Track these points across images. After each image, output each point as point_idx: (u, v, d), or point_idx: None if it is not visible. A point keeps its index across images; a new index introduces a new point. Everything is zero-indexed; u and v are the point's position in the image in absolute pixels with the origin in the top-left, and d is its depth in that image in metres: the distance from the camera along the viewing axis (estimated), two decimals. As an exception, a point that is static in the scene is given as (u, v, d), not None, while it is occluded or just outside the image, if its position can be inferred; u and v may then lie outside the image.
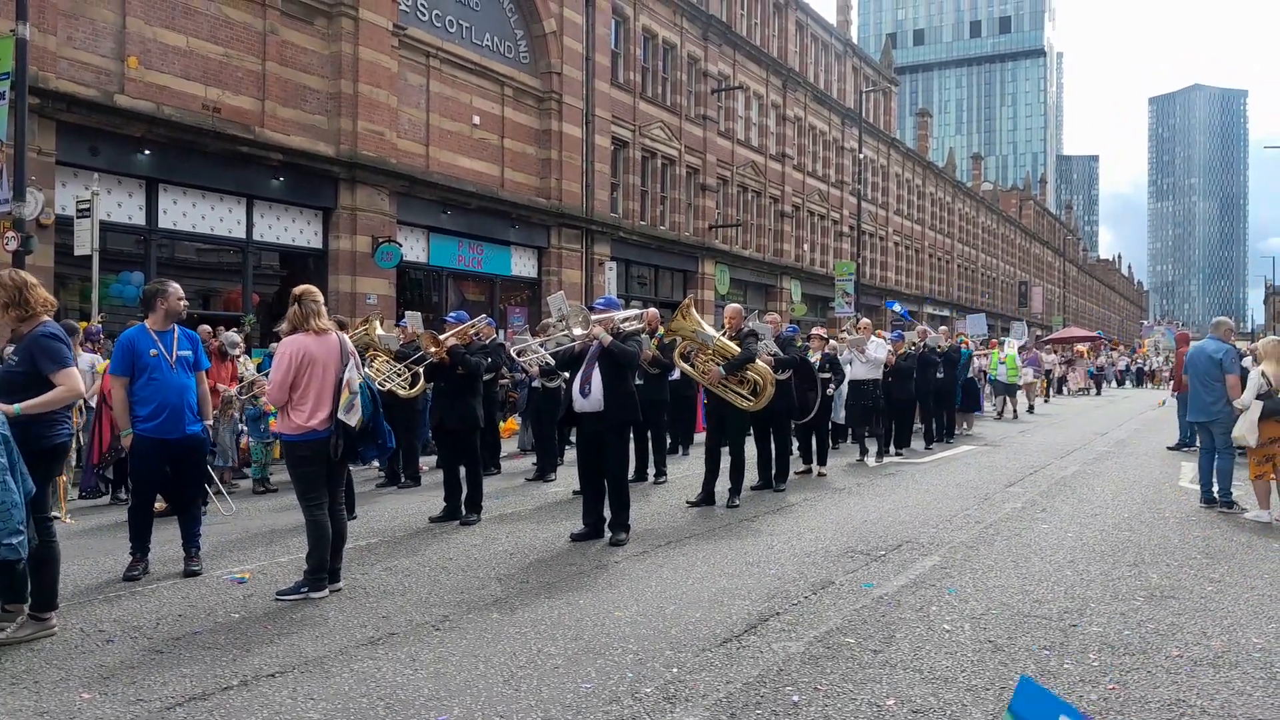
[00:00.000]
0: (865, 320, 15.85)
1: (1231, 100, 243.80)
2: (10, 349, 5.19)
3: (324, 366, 5.74)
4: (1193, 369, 9.18)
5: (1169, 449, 14.37)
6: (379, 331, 10.00)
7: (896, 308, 33.04)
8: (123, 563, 6.56)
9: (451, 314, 9.99)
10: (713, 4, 30.28)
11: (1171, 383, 18.59)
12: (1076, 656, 4.56)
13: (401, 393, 9.76)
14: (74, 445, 9.50)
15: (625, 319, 7.69)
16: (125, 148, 14.06)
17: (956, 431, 16.25)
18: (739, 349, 8.63)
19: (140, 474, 6.26)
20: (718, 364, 8.57)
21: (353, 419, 5.74)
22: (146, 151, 14.27)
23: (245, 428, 10.45)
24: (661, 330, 10.81)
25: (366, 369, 9.36)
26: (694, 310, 8.69)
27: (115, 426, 9.41)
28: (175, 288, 6.30)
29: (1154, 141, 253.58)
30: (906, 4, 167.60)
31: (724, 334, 9.00)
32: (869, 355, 12.42)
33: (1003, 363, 20.40)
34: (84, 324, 11.78)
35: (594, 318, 7.38)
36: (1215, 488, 8.91)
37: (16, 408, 4.68)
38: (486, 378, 11.25)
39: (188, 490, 6.38)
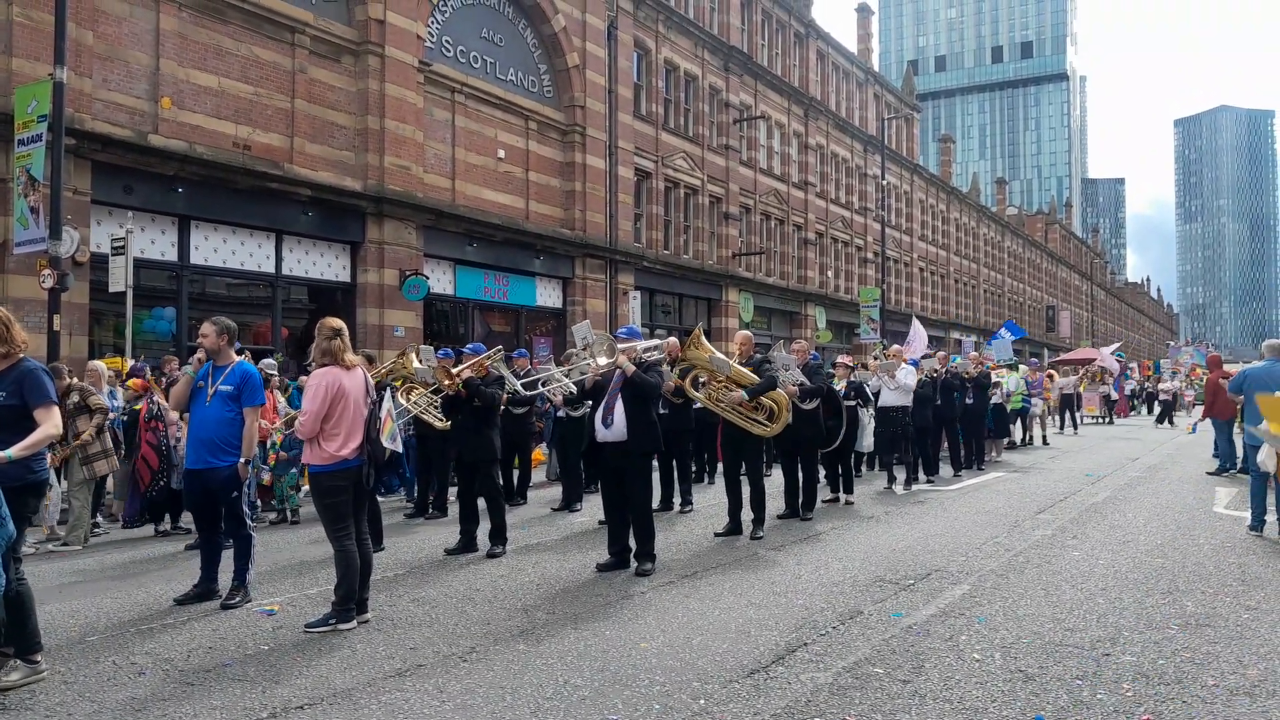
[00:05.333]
0: (896, 346, 15.80)
1: (1258, 121, 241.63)
2: None
3: (355, 398, 5.90)
4: (1257, 390, 9.16)
5: (1209, 474, 14.10)
6: (416, 365, 10.04)
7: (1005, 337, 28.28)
8: (154, 595, 6.71)
9: (469, 345, 10.03)
10: (734, 35, 30.55)
11: (1201, 409, 18.19)
12: (1110, 686, 4.50)
13: (437, 424, 9.78)
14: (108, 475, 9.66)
15: (647, 349, 7.72)
16: (159, 186, 14.36)
17: (986, 458, 16.10)
18: (757, 377, 8.60)
19: (186, 502, 6.80)
20: (730, 390, 8.54)
21: (398, 445, 6.28)
22: (179, 189, 14.56)
23: (269, 465, 10.45)
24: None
25: (404, 400, 9.49)
26: (704, 339, 8.67)
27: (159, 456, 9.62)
28: (202, 326, 6.54)
29: (1181, 163, 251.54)
30: (928, 31, 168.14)
31: (737, 361, 8.95)
32: (898, 381, 12.37)
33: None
34: (119, 360, 12.00)
35: (618, 347, 7.42)
36: (1272, 515, 8.76)
37: (9, 453, 4.59)
38: (520, 410, 11.31)
39: (224, 523, 6.52)
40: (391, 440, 6.06)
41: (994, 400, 16.61)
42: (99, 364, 10.44)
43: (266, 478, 10.46)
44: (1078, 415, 26.14)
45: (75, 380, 9.36)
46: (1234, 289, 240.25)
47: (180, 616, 6.06)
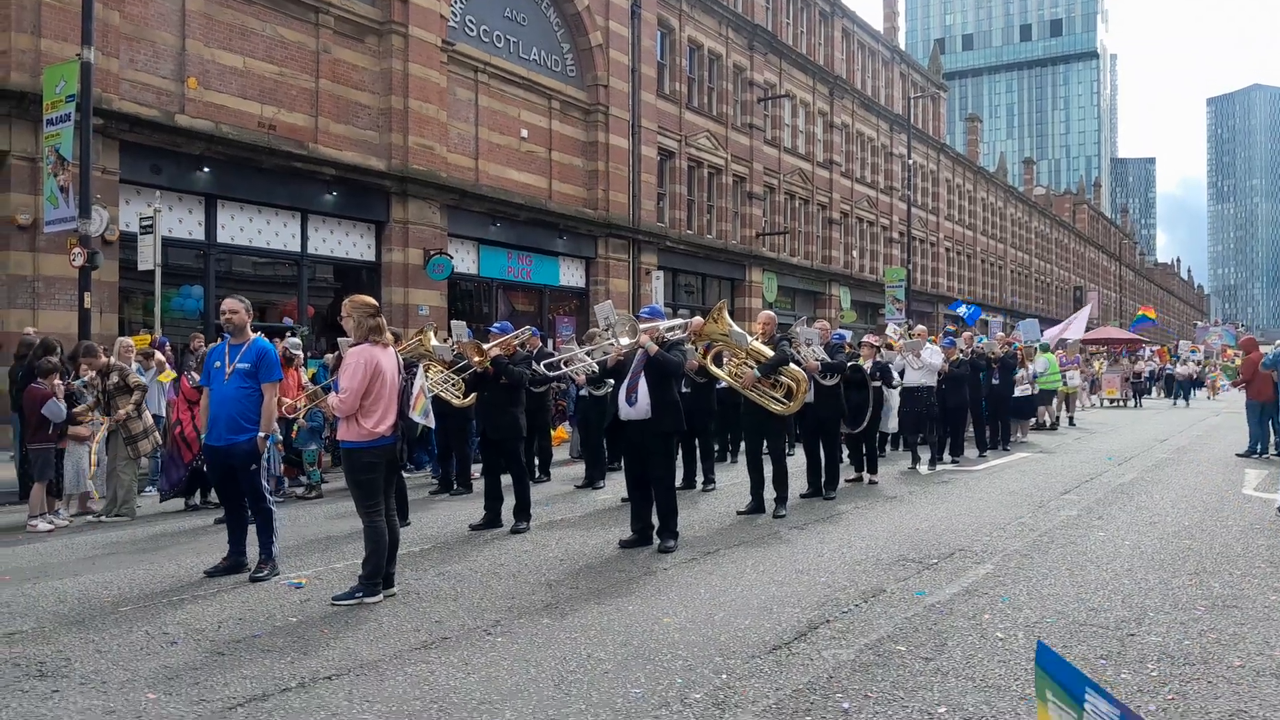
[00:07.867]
0: (920, 326, 15.67)
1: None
2: None
3: (390, 375, 5.96)
4: None
5: (1238, 456, 13.93)
6: (434, 343, 10.12)
7: (962, 310, 31.44)
8: (185, 567, 6.82)
9: (495, 325, 10.09)
10: (758, 13, 30.28)
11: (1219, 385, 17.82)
12: (1134, 666, 4.48)
13: (455, 401, 9.90)
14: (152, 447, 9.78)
15: (670, 328, 7.72)
16: (185, 165, 14.48)
17: (1011, 439, 15.97)
18: (773, 352, 8.58)
19: (210, 477, 6.90)
20: (751, 367, 8.51)
21: (431, 421, 6.42)
22: (206, 169, 14.68)
23: (287, 437, 10.49)
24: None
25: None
26: (726, 314, 8.64)
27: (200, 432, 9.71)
28: (225, 303, 6.62)
29: (1213, 143, 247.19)
30: (955, 9, 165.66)
31: (758, 340, 8.92)
32: (924, 361, 12.28)
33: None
34: (147, 337, 12.14)
35: (640, 326, 7.43)
36: None
37: None
38: (539, 389, 11.35)
39: (244, 497, 6.59)
40: (425, 415, 6.12)
41: (1021, 387, 16.37)
42: (128, 340, 10.57)
43: (282, 468, 10.44)
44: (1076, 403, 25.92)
45: (113, 360, 9.50)
46: (1266, 270, 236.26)
47: (210, 588, 6.16)
